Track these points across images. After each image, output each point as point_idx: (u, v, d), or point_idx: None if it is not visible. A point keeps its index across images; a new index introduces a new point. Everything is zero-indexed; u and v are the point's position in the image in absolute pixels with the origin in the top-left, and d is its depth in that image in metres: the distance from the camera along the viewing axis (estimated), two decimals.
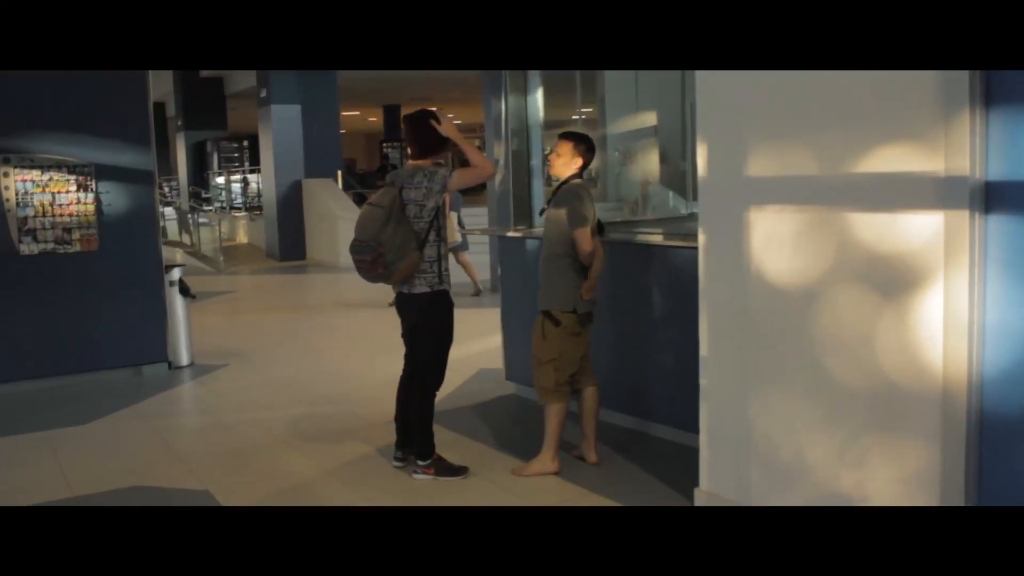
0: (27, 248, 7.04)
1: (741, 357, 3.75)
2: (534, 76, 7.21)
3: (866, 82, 3.17)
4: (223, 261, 17.06)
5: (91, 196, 7.25)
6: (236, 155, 24.03)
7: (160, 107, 26.90)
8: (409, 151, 4.75)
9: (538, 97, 7.26)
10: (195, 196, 23.30)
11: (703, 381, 3.94)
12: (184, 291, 7.89)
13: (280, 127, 17.49)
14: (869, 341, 3.26)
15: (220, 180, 23.88)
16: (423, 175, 4.55)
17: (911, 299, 3.11)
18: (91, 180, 7.24)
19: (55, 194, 7.13)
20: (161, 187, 25.01)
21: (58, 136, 7.12)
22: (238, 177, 23.74)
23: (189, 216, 20.05)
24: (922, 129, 3.02)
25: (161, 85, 24.93)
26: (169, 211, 22.27)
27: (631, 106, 16.78)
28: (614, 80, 17.51)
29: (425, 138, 4.64)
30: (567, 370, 4.62)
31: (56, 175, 7.12)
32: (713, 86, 3.80)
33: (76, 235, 7.21)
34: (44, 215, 7.09)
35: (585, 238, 4.43)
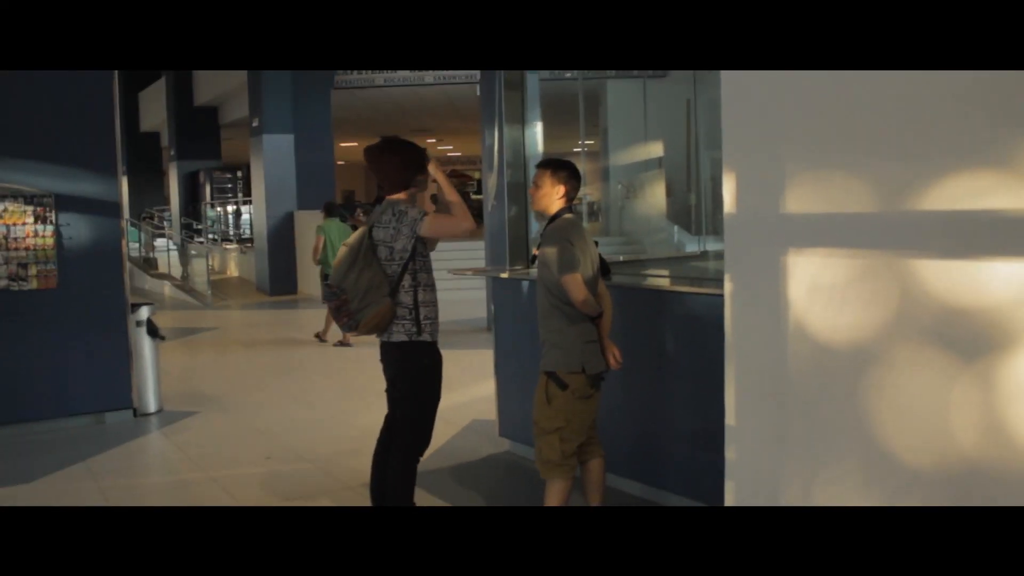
0: None
1: (776, 429, 3.13)
2: (533, 106, 6.67)
3: (937, 94, 2.58)
4: (211, 295, 16.47)
5: (50, 228, 6.66)
6: (230, 186, 23.54)
7: (155, 137, 26.47)
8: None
9: (536, 128, 6.69)
10: (187, 227, 22.75)
11: (729, 454, 3.31)
12: (152, 332, 7.28)
13: (272, 157, 16.98)
14: (942, 413, 2.63)
15: (215, 211, 23.37)
16: (392, 213, 4.02)
17: (996, 362, 2.50)
18: (50, 211, 6.65)
19: (9, 226, 6.54)
20: (154, 218, 24.55)
21: (14, 163, 6.55)
22: (231, 208, 23.21)
23: (178, 249, 19.49)
24: (1012, 154, 2.42)
25: (155, 114, 24.52)
26: (161, 242, 21.77)
27: (635, 137, 16.32)
28: (618, 109, 17.07)
29: (387, 170, 4.13)
30: (575, 440, 3.97)
31: (11, 205, 6.54)
32: (743, 103, 3.20)
33: (33, 271, 6.61)
34: None
35: (576, 285, 3.81)
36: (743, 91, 3.21)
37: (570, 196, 4.02)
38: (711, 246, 9.87)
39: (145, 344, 7.24)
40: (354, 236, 4.07)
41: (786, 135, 3.05)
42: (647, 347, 4.67)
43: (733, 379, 3.29)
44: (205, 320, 13.73)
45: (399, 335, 4.03)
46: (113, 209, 6.93)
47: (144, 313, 7.28)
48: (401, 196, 4.07)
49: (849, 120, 2.86)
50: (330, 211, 11.30)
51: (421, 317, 4.02)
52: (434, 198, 4.29)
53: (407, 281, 3.99)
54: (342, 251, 4.05)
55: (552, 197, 3.99)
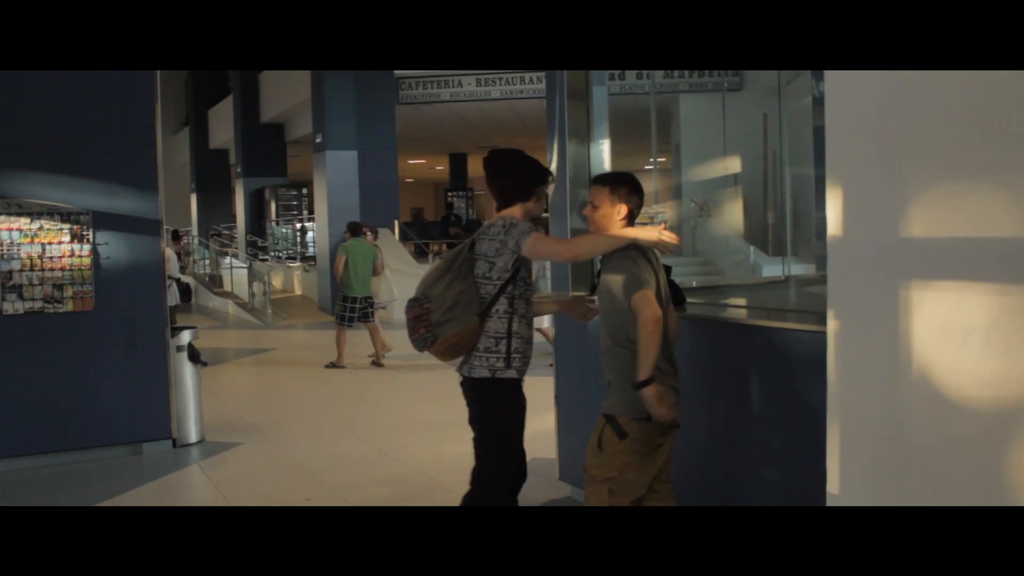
0: (11, 307, 6.11)
1: (893, 502, 2.52)
2: (600, 119, 6.10)
3: None
4: (272, 315, 16.23)
5: (87, 248, 6.31)
6: (295, 203, 23.40)
7: (224, 154, 26.56)
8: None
9: (603, 145, 6.12)
10: (252, 245, 22.66)
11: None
12: (194, 357, 6.89)
13: (335, 173, 16.73)
14: None
15: (283, 229, 23.27)
16: (501, 226, 3.55)
17: None
18: (88, 229, 6.31)
19: (45, 245, 6.21)
20: (221, 235, 24.57)
21: (51, 179, 6.23)
22: (296, 226, 23.09)
23: (244, 267, 19.33)
24: None
25: (224, 131, 24.59)
26: (227, 260, 21.70)
27: (710, 153, 15.64)
28: (691, 124, 16.40)
29: (501, 181, 3.70)
30: (629, 494, 3.39)
31: (47, 223, 6.21)
32: (852, 105, 2.61)
33: (68, 292, 6.26)
34: (32, 269, 6.17)
35: (647, 302, 3.26)
36: (853, 92, 2.62)
37: (633, 215, 3.49)
38: (795, 269, 9.20)
39: (186, 370, 6.85)
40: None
41: (910, 143, 2.45)
42: (726, 391, 4.06)
43: (837, 440, 2.69)
44: (264, 340, 13.44)
45: (480, 370, 3.53)
46: (153, 227, 6.57)
47: (185, 337, 6.90)
48: (514, 211, 3.62)
49: (993, 125, 2.26)
50: (354, 231, 11.06)
51: (511, 350, 3.51)
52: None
53: (502, 305, 3.51)
54: (434, 263, 3.66)
55: (612, 218, 3.46)
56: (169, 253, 11.67)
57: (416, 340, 3.55)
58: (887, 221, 2.48)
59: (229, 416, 7.85)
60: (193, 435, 6.86)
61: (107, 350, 6.38)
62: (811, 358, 3.46)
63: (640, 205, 3.52)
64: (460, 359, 3.58)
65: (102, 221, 6.36)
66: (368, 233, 11.08)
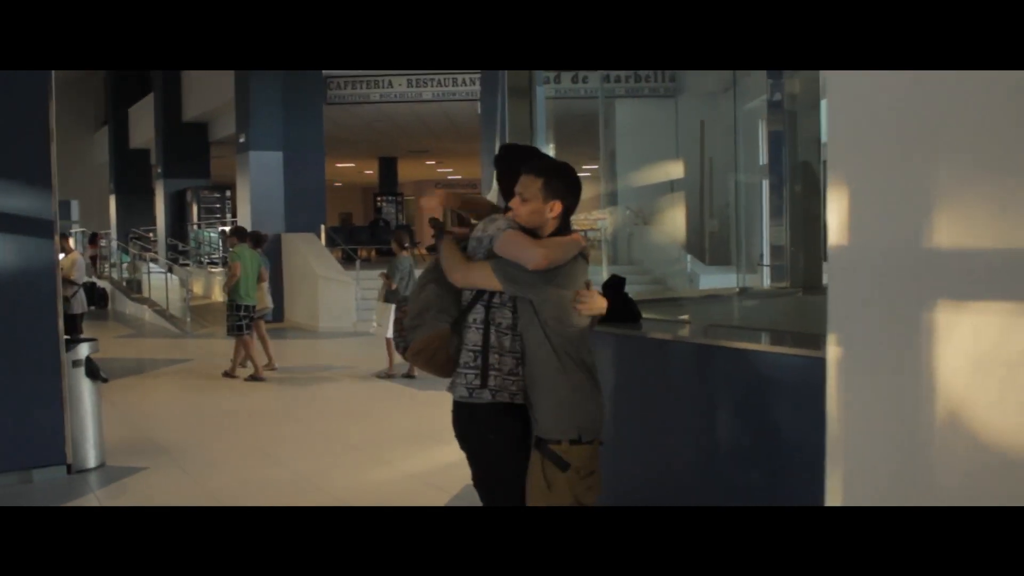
0: None
1: None
2: (542, 121, 5.69)
3: None
4: (191, 322, 15.44)
5: None
6: (218, 205, 22.52)
7: (145, 154, 25.50)
8: None
9: (549, 146, 5.69)
10: (172, 249, 21.73)
11: None
12: (92, 373, 6.23)
13: (259, 175, 16.03)
14: None
15: (207, 232, 22.37)
16: (489, 220, 3.09)
17: None
18: None
19: None
20: (141, 238, 23.56)
21: None
22: (219, 229, 22.22)
23: (163, 272, 18.45)
24: None
25: (145, 130, 23.59)
26: (155, 266, 20.78)
27: (645, 159, 15.35)
28: (626, 131, 16.10)
29: (499, 174, 3.28)
30: None
31: None
32: (862, 99, 2.19)
33: None
34: None
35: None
36: (864, 90, 2.19)
37: (567, 215, 3.02)
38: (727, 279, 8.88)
39: (84, 387, 6.19)
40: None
41: (936, 139, 2.03)
42: (697, 421, 3.61)
43: (840, 488, 2.26)
44: (180, 350, 12.70)
45: (459, 388, 3.02)
46: (46, 228, 5.90)
47: (83, 351, 6.23)
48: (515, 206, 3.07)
49: None
50: (242, 236, 10.47)
51: (486, 365, 2.96)
52: (435, 222, 3.28)
53: (478, 314, 3.01)
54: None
55: (543, 215, 2.97)
56: (75, 257, 10.90)
57: (397, 344, 3.22)
58: (908, 228, 2.06)
59: (135, 437, 7.19)
60: (92, 459, 6.20)
61: None
62: (795, 387, 3.04)
63: (575, 205, 3.04)
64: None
65: None
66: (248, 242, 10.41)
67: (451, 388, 3.09)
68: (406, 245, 10.00)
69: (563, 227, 3.01)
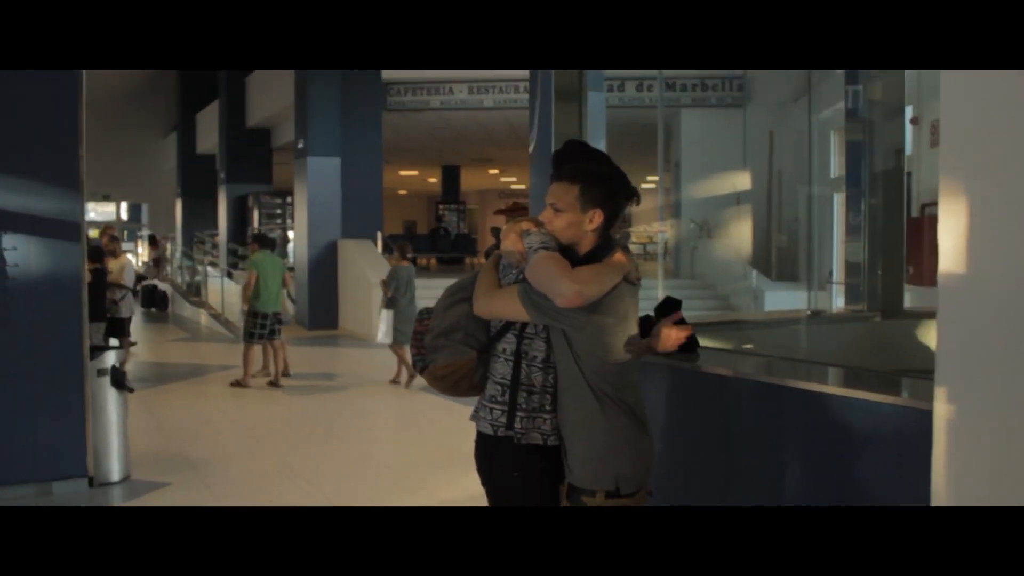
0: None
1: None
2: (597, 128, 5.24)
3: None
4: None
5: None
6: (279, 211, 22.46)
7: (211, 159, 25.64)
8: None
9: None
10: (233, 253, 21.71)
11: None
12: (118, 382, 5.94)
13: (317, 180, 15.81)
14: None
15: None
16: (524, 235, 2.60)
17: None
18: None
19: None
20: (203, 243, 23.66)
21: None
22: (278, 234, 22.15)
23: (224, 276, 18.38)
24: None
25: (211, 137, 23.71)
26: (209, 269, 20.80)
27: (711, 170, 14.80)
28: (692, 141, 15.57)
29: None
30: None
31: None
32: (980, 86, 1.70)
33: None
34: None
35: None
36: (981, 80, 1.71)
37: (608, 224, 2.56)
38: (816, 300, 8.26)
39: (109, 397, 5.90)
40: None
41: None
42: (756, 476, 3.11)
43: None
44: (229, 356, 12.47)
45: (483, 422, 2.64)
46: (73, 231, 5.63)
47: (109, 359, 5.94)
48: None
49: None
50: (263, 243, 10.23)
51: (515, 405, 2.57)
52: (497, 232, 2.89)
53: (508, 344, 2.61)
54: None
55: (582, 226, 2.53)
56: (124, 261, 10.74)
57: (414, 360, 2.81)
58: None
59: (164, 448, 6.90)
60: (115, 473, 5.91)
61: (12, 372, 5.44)
62: (888, 441, 2.54)
63: (619, 213, 2.58)
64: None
65: (10, 222, 5.42)
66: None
67: (474, 417, 2.68)
68: (407, 255, 10.27)
69: (605, 241, 2.56)
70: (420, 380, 9.51)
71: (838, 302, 12.16)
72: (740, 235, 14.38)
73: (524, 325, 2.57)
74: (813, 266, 7.10)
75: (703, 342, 3.35)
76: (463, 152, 24.53)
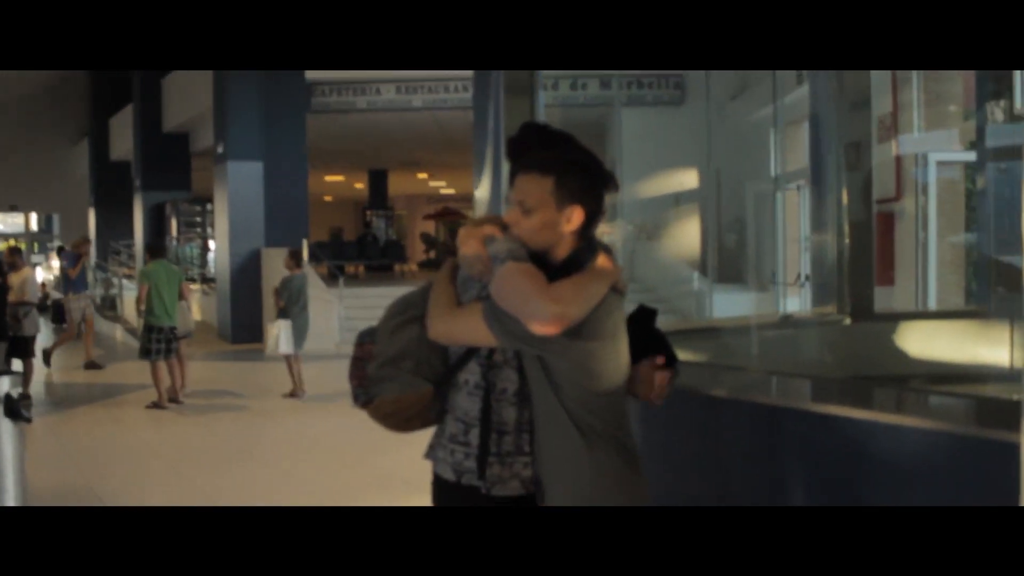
0: None
1: None
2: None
3: None
4: None
5: None
6: (199, 219, 21.59)
7: (125, 166, 24.58)
8: None
9: None
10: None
11: None
12: (13, 412, 5.29)
13: (238, 186, 15.13)
14: None
15: (190, 247, 21.46)
16: (488, 241, 2.11)
17: None
18: None
19: None
20: (119, 253, 22.67)
21: None
22: (197, 243, 21.33)
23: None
24: None
25: (125, 142, 22.72)
26: (125, 282, 19.87)
27: (650, 170, 14.53)
28: (630, 140, 15.29)
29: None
30: None
31: None
32: None
33: None
34: None
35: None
36: None
37: (590, 222, 2.10)
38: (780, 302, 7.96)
39: (3, 430, 5.25)
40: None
41: None
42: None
43: None
44: (146, 374, 11.73)
45: (443, 465, 2.15)
46: None
47: (3, 386, 5.29)
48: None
49: None
50: (155, 252, 9.76)
51: (486, 448, 2.09)
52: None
53: (471, 376, 2.12)
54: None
55: (557, 229, 2.07)
56: (26, 274, 9.96)
57: (353, 390, 2.28)
58: None
59: (70, 482, 6.27)
60: None
61: None
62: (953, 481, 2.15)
63: (602, 201, 2.12)
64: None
65: None
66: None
67: (430, 455, 2.19)
68: (300, 263, 10.25)
69: (586, 244, 2.10)
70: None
71: (785, 304, 11.95)
72: (680, 236, 14.14)
73: (491, 351, 2.09)
74: (774, 268, 6.74)
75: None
76: (391, 156, 23.97)
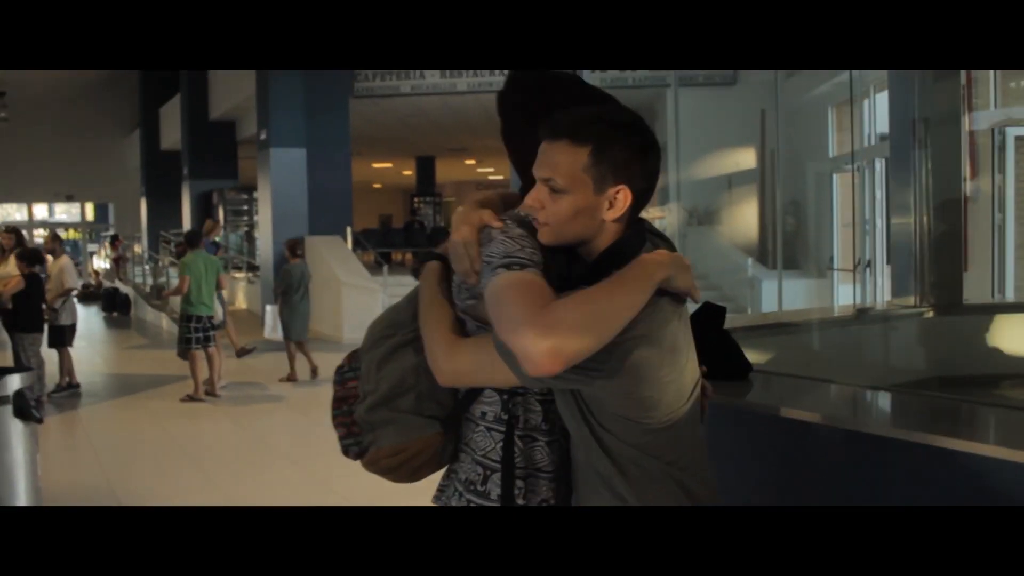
0: None
1: None
2: None
3: None
4: None
5: None
6: (245, 207, 21.46)
7: (175, 156, 24.57)
8: None
9: None
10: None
11: None
12: (23, 412, 4.99)
13: (280, 173, 14.86)
14: None
15: (238, 235, 21.36)
16: (484, 238, 1.62)
17: None
18: None
19: None
20: (169, 242, 22.65)
21: None
22: (243, 232, 21.20)
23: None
24: None
25: (175, 132, 22.67)
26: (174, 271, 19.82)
27: (701, 152, 13.97)
28: (679, 122, 14.76)
29: (512, 136, 1.80)
30: None
31: None
32: None
33: None
34: None
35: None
36: None
37: (639, 207, 1.61)
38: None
39: (12, 430, 4.95)
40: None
41: None
42: None
43: None
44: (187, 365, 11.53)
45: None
46: None
47: (12, 384, 4.99)
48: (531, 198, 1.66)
49: None
50: (193, 242, 9.49)
51: (511, 496, 1.64)
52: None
53: (490, 406, 1.67)
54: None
55: (597, 217, 1.58)
56: (63, 262, 9.74)
57: (340, 440, 1.83)
58: None
59: (91, 482, 5.99)
60: None
61: None
62: None
63: (654, 179, 1.61)
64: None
65: None
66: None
67: (439, 501, 1.74)
68: (298, 252, 10.36)
69: (634, 232, 1.62)
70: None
71: (841, 292, 11.28)
72: (733, 220, 13.58)
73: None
74: (831, 252, 6.19)
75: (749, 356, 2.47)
76: (437, 142, 23.60)
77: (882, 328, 3.98)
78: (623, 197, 1.56)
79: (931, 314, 4.08)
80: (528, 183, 1.66)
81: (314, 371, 10.16)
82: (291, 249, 10.33)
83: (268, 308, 9.81)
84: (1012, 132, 7.85)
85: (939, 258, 4.00)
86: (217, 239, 11.74)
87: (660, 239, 1.64)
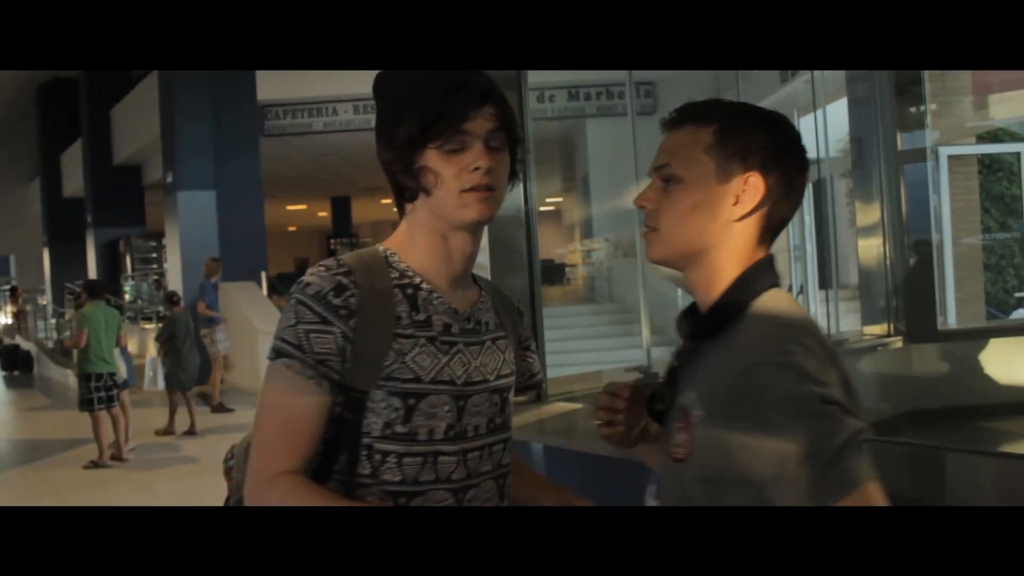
0: None
1: None
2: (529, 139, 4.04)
3: None
4: None
5: None
6: (153, 255, 20.56)
7: (79, 203, 23.51)
8: None
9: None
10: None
11: None
12: None
13: (189, 218, 14.21)
14: None
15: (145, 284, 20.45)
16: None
17: None
18: None
19: None
20: (73, 294, 21.56)
21: None
22: (152, 280, 20.29)
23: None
24: None
25: (77, 178, 21.70)
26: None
27: (622, 183, 13.77)
28: (601, 153, 14.59)
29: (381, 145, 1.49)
30: None
31: None
32: None
33: None
34: None
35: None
36: None
37: (782, 220, 1.32)
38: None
39: None
40: None
41: None
42: None
43: None
44: (85, 426, 10.75)
45: None
46: None
47: None
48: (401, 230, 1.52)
49: None
50: (94, 292, 8.85)
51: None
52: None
53: (343, 459, 1.41)
54: None
55: (720, 213, 1.29)
56: None
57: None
58: None
59: None
60: None
61: None
62: None
63: (798, 183, 1.30)
64: None
65: None
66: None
67: None
68: (175, 300, 10.40)
69: (765, 264, 1.31)
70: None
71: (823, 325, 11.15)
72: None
73: (363, 414, 1.43)
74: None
75: None
76: (352, 180, 23.09)
77: (852, 360, 3.65)
78: (755, 184, 1.24)
79: (900, 343, 3.77)
80: (399, 190, 1.41)
81: (192, 427, 9.75)
82: (169, 299, 10.23)
83: (148, 359, 9.41)
84: (944, 152, 7.75)
85: (912, 284, 3.69)
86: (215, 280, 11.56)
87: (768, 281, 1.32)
